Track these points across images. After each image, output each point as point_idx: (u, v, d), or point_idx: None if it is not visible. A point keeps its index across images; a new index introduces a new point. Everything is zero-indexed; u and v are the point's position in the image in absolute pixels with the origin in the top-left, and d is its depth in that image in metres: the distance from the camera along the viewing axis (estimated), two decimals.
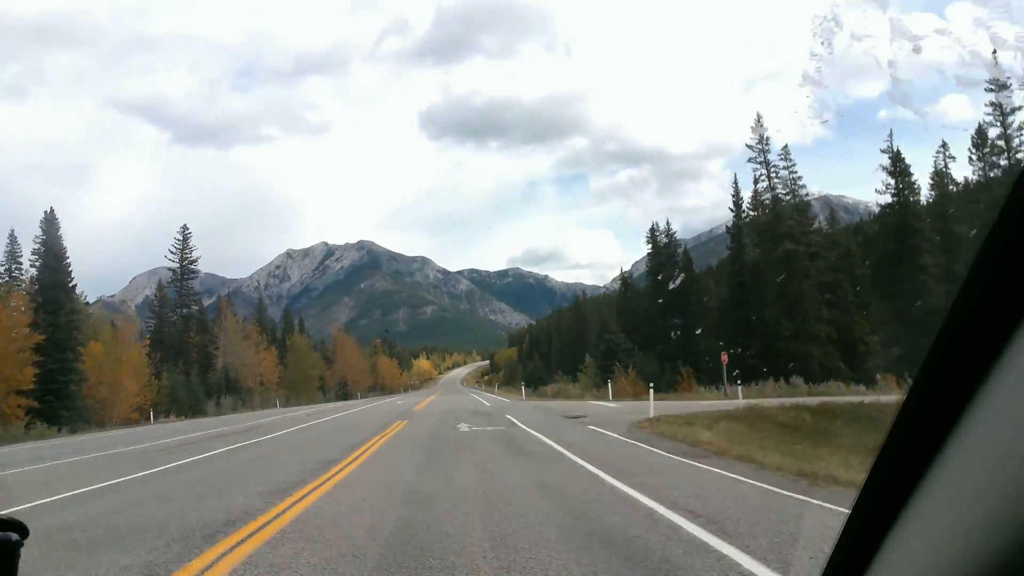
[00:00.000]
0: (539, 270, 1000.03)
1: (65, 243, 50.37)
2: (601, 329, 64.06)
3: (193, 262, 67.63)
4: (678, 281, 62.06)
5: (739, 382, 31.39)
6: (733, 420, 16.83)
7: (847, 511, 1.07)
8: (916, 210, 38.75)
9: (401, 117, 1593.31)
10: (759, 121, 45.55)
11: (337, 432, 19.04)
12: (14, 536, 1.14)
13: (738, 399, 26.27)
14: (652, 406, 18.43)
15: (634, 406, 27.87)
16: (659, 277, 64.53)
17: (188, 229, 68.05)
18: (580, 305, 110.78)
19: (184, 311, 66.83)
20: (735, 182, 51.31)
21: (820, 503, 6.55)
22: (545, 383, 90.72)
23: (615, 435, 14.71)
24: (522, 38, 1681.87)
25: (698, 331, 52.99)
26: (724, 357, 32.68)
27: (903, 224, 37.54)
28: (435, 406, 36.88)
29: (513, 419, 21.48)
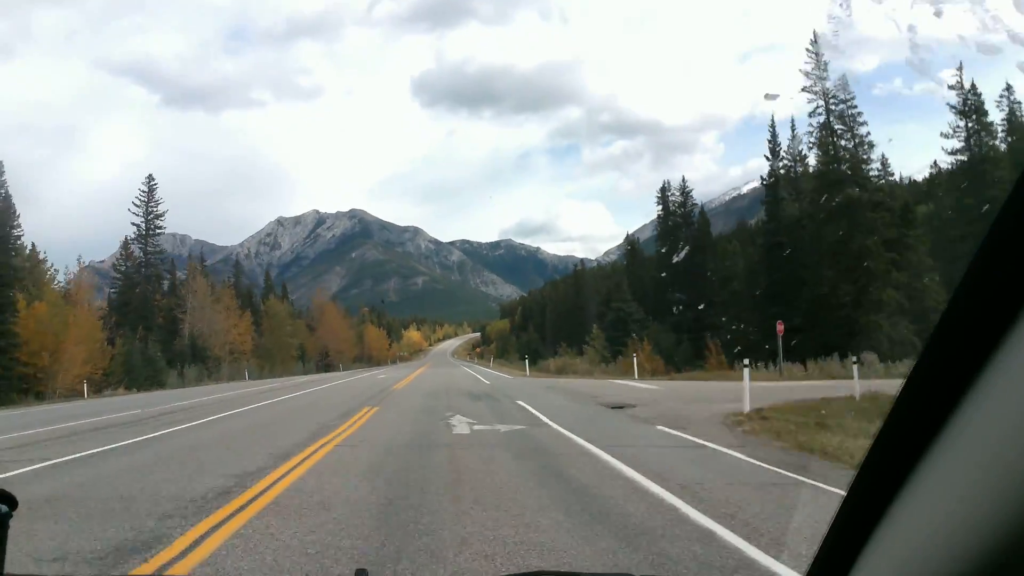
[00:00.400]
0: (531, 242, 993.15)
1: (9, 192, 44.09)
2: (607, 297, 57.84)
3: (159, 216, 60.89)
4: (682, 253, 55.86)
5: (780, 360, 25.46)
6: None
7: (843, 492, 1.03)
8: (995, 155, 32.47)
9: (394, 83, 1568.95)
10: (815, 41, 37.69)
11: (261, 431, 12.46)
12: (3, 508, 1.12)
13: (815, 379, 20.14)
14: (747, 392, 11.88)
15: (678, 388, 21.72)
16: (672, 241, 58.33)
17: (154, 180, 61.24)
18: (578, 275, 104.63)
19: (149, 271, 60.25)
20: (772, 125, 44.32)
21: None
22: (542, 356, 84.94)
23: (731, 452, 8.44)
24: (517, 4, 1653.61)
25: (701, 306, 46.75)
26: (780, 327, 26.57)
27: (980, 171, 31.40)
28: (422, 382, 30.86)
29: (530, 408, 15.20)
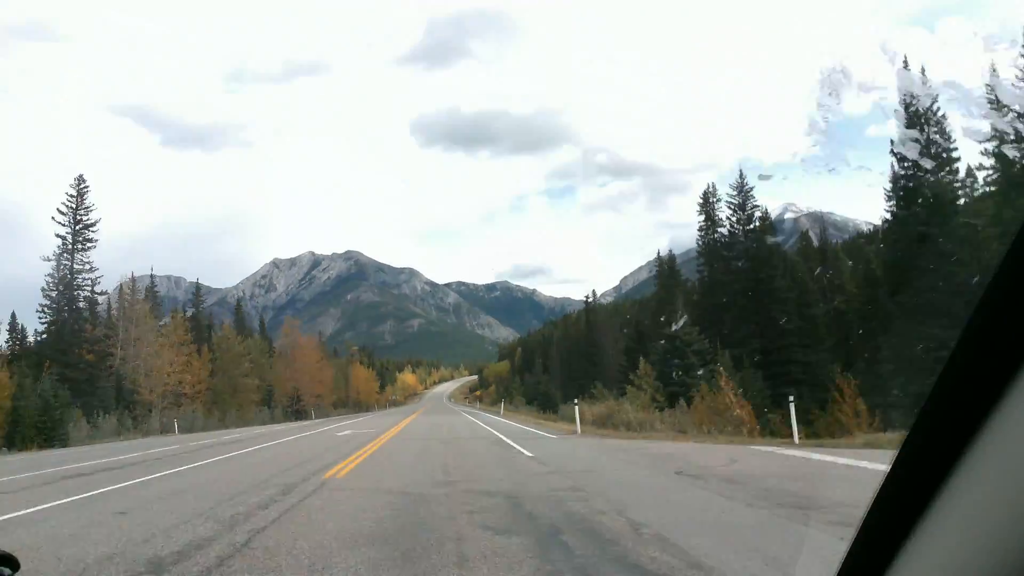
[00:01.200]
0: (527, 284, 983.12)
1: None
2: (661, 322, 45.32)
3: (90, 226, 48.64)
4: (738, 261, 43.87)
5: None
6: None
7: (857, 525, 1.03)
8: None
9: (392, 124, 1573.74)
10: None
11: None
12: (6, 570, 1.13)
13: None
14: None
15: None
16: (725, 256, 46.29)
17: (85, 181, 49.20)
18: (590, 311, 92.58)
19: (73, 293, 47.82)
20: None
21: None
22: (555, 400, 72.48)
23: None
24: (514, 44, 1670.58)
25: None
26: None
27: None
28: (407, 444, 18.86)
29: None
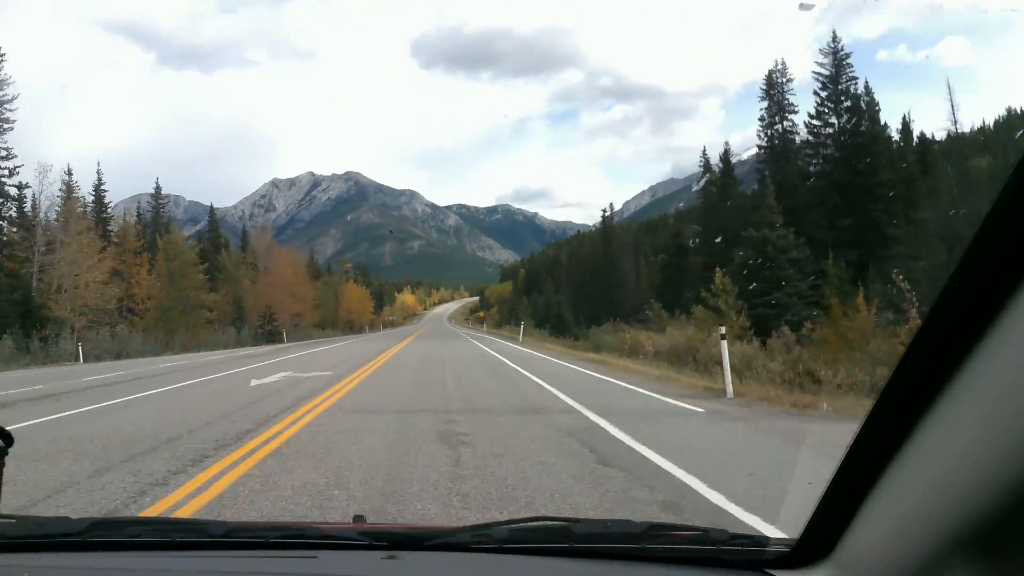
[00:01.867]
0: (529, 207, 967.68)
1: None
2: (744, 222, 35.01)
3: (6, 103, 37.94)
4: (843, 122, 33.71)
5: None
6: None
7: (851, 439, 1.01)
8: None
9: (392, 44, 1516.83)
10: None
11: None
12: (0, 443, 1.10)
13: None
14: None
15: None
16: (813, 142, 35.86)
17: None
18: (608, 229, 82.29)
19: None
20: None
21: None
22: (565, 324, 63.33)
23: None
24: None
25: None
26: None
27: None
28: (395, 378, 9.72)
29: None
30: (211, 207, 68.75)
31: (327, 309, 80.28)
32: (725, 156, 44.04)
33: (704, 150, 52.38)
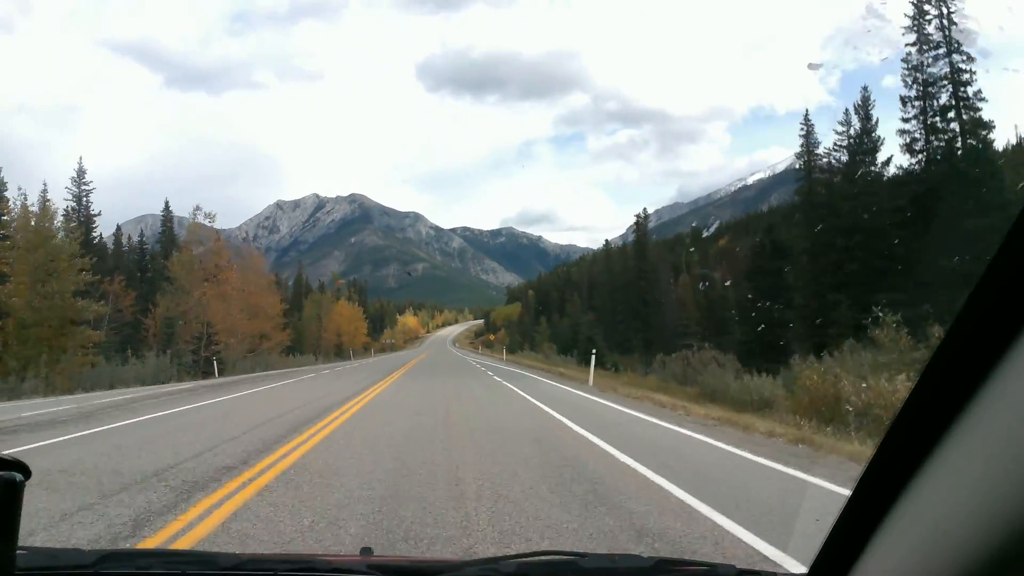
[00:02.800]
0: (533, 231, 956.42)
1: None
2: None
3: None
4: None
5: None
6: None
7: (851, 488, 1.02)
8: None
9: (398, 67, 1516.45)
10: None
11: None
12: (18, 476, 1.12)
13: None
14: None
15: None
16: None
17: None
18: (642, 240, 68.74)
19: None
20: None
21: None
22: (600, 352, 49.71)
23: None
24: None
25: None
26: None
27: None
28: None
29: None
30: (166, 202, 54.99)
31: (310, 331, 66.56)
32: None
33: (807, 114, 38.80)
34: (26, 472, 1.14)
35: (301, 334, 64.83)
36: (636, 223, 68.52)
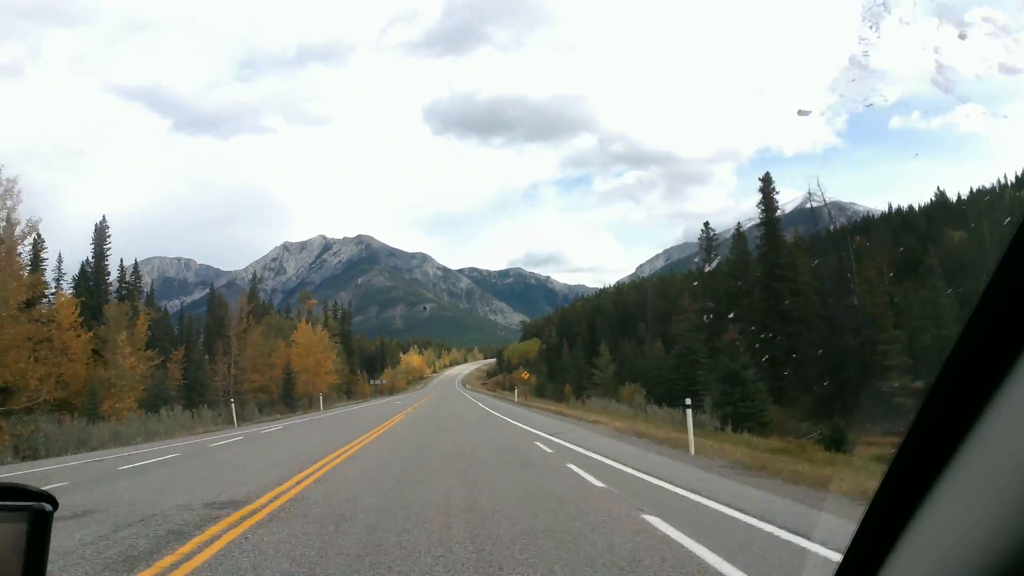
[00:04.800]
0: (540, 271, 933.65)
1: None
2: None
3: None
4: None
5: None
6: None
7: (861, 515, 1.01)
8: None
9: (405, 110, 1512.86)
10: None
11: None
12: (48, 506, 1.11)
13: None
14: None
15: None
16: None
17: None
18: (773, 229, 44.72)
19: None
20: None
21: None
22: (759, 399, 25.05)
23: None
24: (531, 33, 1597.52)
25: None
26: None
27: None
28: None
29: None
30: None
31: (271, 369, 42.57)
32: None
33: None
34: (54, 504, 1.12)
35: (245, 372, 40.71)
36: (762, 193, 44.25)
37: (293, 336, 46.90)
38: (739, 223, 49.85)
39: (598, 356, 53.96)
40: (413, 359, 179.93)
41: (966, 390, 0.75)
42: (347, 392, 63.99)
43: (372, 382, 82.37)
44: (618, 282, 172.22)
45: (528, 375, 46.89)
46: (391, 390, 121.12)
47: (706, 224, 51.65)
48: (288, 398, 41.48)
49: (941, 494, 0.82)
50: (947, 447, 0.79)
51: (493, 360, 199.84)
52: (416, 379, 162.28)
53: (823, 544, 4.58)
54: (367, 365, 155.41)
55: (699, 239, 51.14)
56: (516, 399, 34.65)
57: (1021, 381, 0.69)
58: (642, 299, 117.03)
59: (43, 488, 1.17)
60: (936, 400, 0.80)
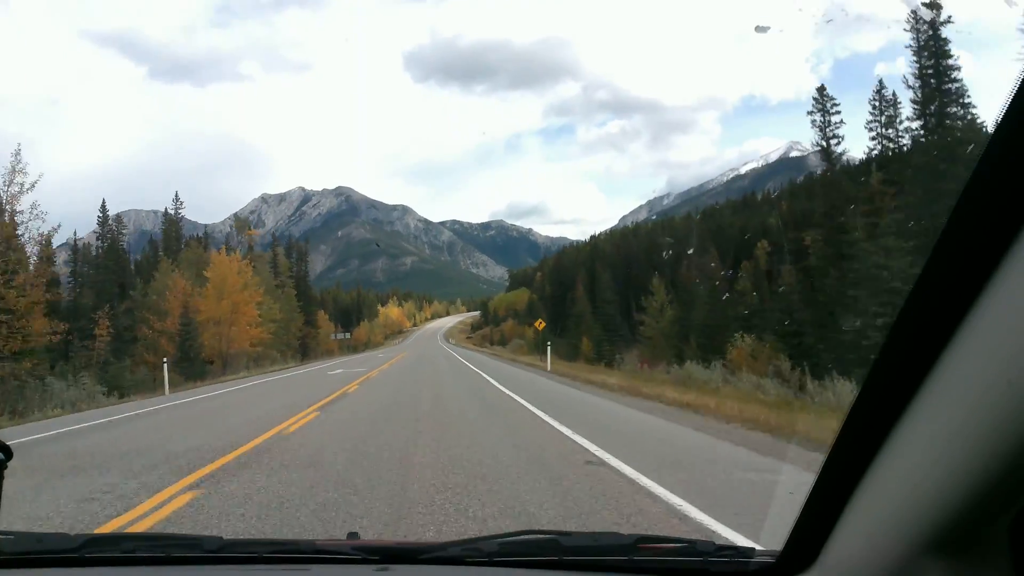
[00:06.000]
0: (523, 223, 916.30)
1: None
2: None
3: None
4: None
5: None
6: None
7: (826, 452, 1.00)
8: None
9: (385, 57, 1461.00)
10: None
11: None
12: (1, 455, 1.11)
13: None
14: None
15: None
16: None
17: None
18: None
19: None
20: None
21: None
22: None
23: None
24: None
25: None
26: None
27: None
28: None
29: None
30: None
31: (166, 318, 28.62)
32: None
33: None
34: (8, 452, 1.12)
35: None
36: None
37: (207, 272, 32.72)
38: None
39: (649, 295, 39.88)
40: (392, 312, 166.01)
41: (922, 337, 0.75)
42: (302, 350, 50.22)
43: (336, 336, 68.14)
44: (611, 229, 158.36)
45: (543, 323, 32.25)
46: (366, 345, 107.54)
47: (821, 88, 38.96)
48: (187, 360, 27.71)
49: (897, 442, 0.82)
50: (906, 392, 0.78)
51: (477, 313, 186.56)
52: (395, 333, 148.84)
53: None
54: (342, 318, 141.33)
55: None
56: (548, 367, 21.63)
57: (973, 333, 0.69)
58: (651, 241, 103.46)
59: None
60: (910, 317, 0.78)
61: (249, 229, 52.04)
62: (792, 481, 5.06)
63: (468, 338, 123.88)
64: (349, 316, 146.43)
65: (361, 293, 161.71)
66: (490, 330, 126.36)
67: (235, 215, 52.41)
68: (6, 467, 1.09)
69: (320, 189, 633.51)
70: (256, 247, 53.61)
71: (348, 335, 74.13)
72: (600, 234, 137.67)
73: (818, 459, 3.59)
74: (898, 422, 0.81)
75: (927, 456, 0.79)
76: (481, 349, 69.16)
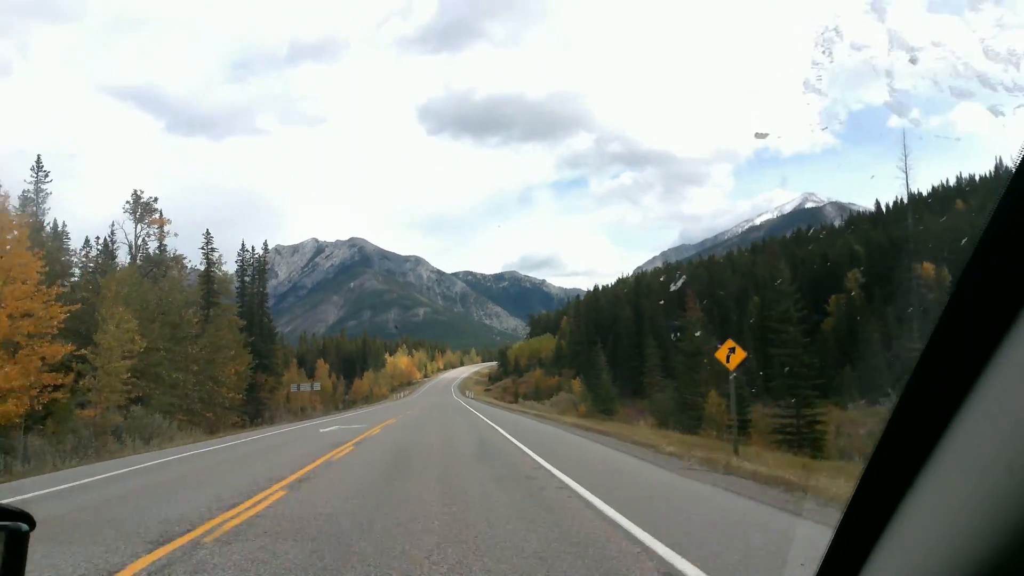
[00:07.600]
0: (536, 275, 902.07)
1: None
2: None
3: None
4: None
5: None
6: None
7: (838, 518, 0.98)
8: None
9: (400, 110, 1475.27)
10: None
11: None
12: (24, 526, 1.09)
13: None
14: None
15: None
16: None
17: None
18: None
19: None
20: None
21: None
22: None
23: None
24: (528, 29, 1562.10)
25: None
26: None
27: None
28: None
29: None
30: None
31: None
32: None
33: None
34: (31, 523, 1.09)
35: None
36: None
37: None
38: None
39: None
40: (401, 361, 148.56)
41: (939, 392, 0.73)
42: (252, 408, 33.40)
43: (300, 388, 49.08)
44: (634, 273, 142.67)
45: (740, 352, 15.21)
46: (366, 399, 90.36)
47: None
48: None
49: (918, 498, 0.80)
50: (924, 448, 0.76)
51: (494, 363, 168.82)
52: (403, 384, 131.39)
53: None
54: (345, 368, 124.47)
55: None
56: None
57: (992, 384, 0.67)
58: (710, 274, 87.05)
59: None
60: (910, 401, 0.77)
61: (156, 217, 34.06)
62: None
63: (487, 391, 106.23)
64: (352, 365, 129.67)
65: (367, 341, 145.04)
66: (512, 381, 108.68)
67: (134, 191, 32.99)
68: (29, 537, 1.04)
69: (333, 240, 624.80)
70: (173, 248, 36.84)
71: (318, 387, 56.38)
72: (634, 273, 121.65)
73: None
74: (912, 483, 0.78)
75: (940, 522, 0.76)
76: (511, 407, 51.66)
